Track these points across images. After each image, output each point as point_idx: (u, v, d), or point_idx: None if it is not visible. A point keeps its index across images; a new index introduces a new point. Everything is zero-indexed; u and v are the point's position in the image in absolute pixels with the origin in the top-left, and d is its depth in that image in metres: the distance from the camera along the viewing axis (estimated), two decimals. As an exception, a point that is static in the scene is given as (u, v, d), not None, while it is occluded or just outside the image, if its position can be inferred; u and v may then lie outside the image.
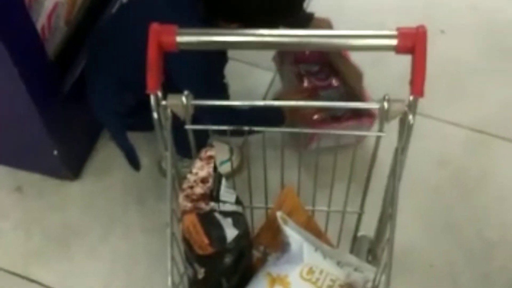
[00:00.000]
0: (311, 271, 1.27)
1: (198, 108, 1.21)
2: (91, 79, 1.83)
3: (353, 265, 1.34)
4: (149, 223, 1.99)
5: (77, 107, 1.90)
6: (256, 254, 1.43)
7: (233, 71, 1.85)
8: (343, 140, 1.55)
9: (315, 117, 1.91)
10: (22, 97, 1.68)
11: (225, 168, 1.75)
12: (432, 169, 2.06)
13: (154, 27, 1.13)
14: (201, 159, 1.26)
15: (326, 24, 1.89)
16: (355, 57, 1.96)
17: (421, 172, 1.99)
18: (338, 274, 1.29)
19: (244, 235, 1.30)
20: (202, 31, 1.20)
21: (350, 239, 1.62)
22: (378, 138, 1.27)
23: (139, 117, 1.52)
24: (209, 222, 1.22)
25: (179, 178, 1.33)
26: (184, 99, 1.18)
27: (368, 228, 1.54)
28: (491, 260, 1.88)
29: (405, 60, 1.11)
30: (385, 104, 1.14)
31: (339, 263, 1.32)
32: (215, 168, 1.26)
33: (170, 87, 1.19)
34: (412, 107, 1.12)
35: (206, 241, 1.20)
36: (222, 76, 1.77)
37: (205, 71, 1.61)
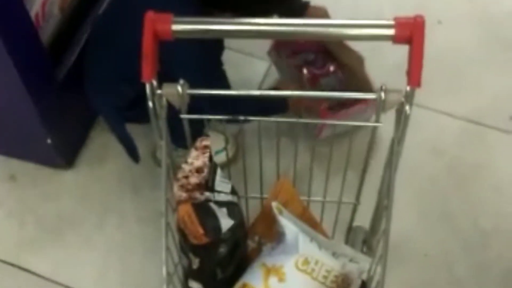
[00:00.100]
0: (306, 261, 1.26)
1: (196, 97, 1.20)
2: (89, 72, 1.82)
3: (348, 255, 1.34)
4: (144, 212, 1.98)
5: (71, 95, 1.88)
6: (251, 244, 1.43)
7: (228, 61, 1.83)
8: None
9: (323, 106, 1.90)
10: (15, 85, 1.67)
11: (220, 158, 1.73)
12: (428, 159, 2.06)
13: (150, 15, 1.12)
14: (196, 148, 1.25)
15: (322, 13, 1.88)
16: (352, 46, 1.95)
17: (417, 162, 1.99)
18: (333, 264, 1.29)
19: (239, 225, 1.29)
20: (197, 19, 1.19)
21: (345, 230, 1.61)
22: (375, 129, 1.26)
23: (138, 109, 1.51)
24: (204, 212, 1.21)
25: (174, 168, 1.33)
26: (179, 88, 1.17)
27: (364, 219, 1.54)
28: (486, 249, 1.88)
29: (402, 49, 1.11)
30: (382, 94, 1.13)
31: (334, 254, 1.32)
32: (210, 158, 1.25)
33: (167, 81, 1.18)
34: (409, 97, 1.12)
35: (201, 231, 1.20)
36: (220, 63, 1.76)
37: (202, 59, 1.61)
